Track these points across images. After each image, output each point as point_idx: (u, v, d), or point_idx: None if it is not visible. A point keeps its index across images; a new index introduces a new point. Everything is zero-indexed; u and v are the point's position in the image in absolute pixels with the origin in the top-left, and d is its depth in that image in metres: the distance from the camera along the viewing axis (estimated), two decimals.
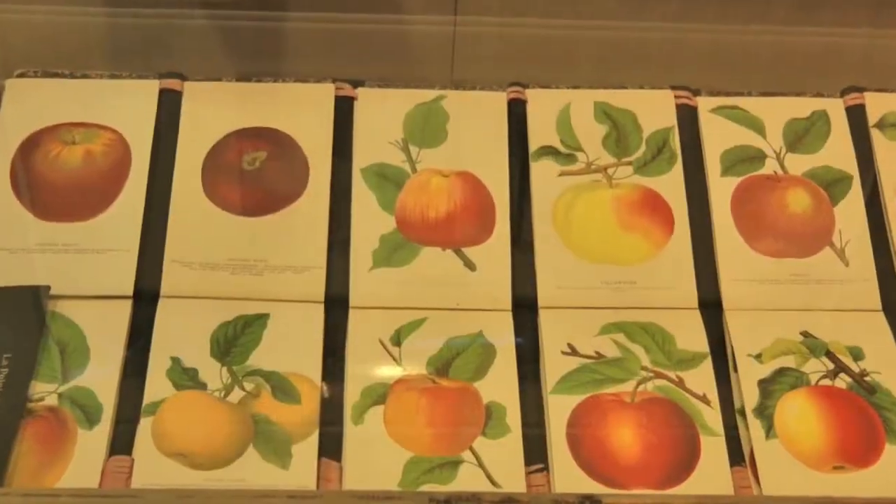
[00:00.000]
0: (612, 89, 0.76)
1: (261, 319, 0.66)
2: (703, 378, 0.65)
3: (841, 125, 0.75)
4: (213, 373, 0.64)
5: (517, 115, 0.75)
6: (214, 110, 0.74)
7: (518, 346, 0.66)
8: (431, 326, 0.67)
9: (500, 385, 0.65)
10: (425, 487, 0.61)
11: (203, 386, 0.64)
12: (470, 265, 0.69)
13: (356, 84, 0.76)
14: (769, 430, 0.64)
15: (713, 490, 0.61)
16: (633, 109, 0.75)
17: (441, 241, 0.70)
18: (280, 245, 0.69)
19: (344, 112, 0.74)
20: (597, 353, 0.66)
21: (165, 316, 0.66)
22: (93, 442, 0.61)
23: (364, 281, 0.68)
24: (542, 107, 0.75)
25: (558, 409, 0.64)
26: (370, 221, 0.70)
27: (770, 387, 0.65)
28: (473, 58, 0.83)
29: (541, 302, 0.68)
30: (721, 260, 0.70)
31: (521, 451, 0.62)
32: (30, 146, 0.72)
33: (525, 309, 0.68)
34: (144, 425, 0.62)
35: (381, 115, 0.74)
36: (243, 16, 0.81)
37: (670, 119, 0.75)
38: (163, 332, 0.65)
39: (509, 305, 0.68)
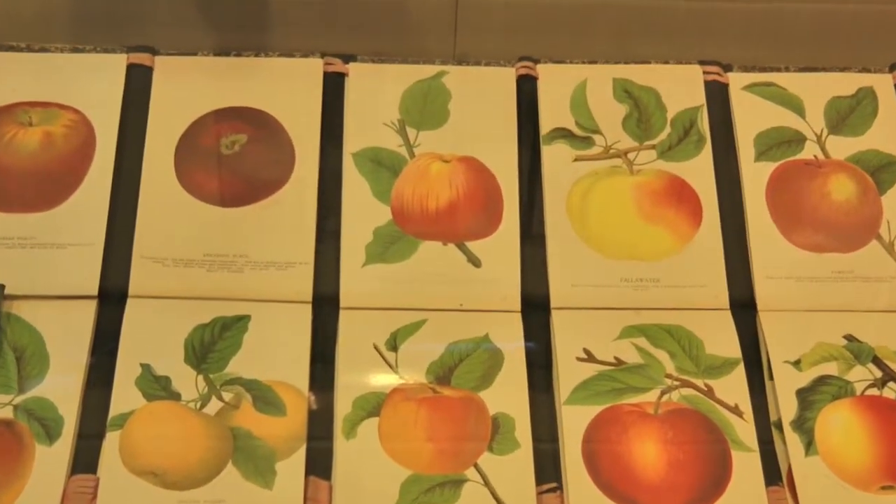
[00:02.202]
0: (633, 64, 0.76)
1: (241, 322, 0.66)
2: (734, 387, 0.65)
3: (890, 104, 0.75)
4: (187, 381, 0.64)
5: (527, 94, 0.74)
6: (189, 88, 0.73)
7: (528, 352, 0.66)
8: (431, 329, 0.67)
9: (508, 395, 0.65)
10: None
11: (176, 396, 0.63)
12: (474, 261, 0.69)
13: (347, 59, 0.76)
14: (809, 445, 0.64)
15: None
16: (657, 87, 0.75)
17: (442, 234, 0.70)
18: (262, 239, 0.69)
19: (334, 90, 0.74)
20: (616, 358, 0.66)
21: (134, 318, 0.66)
22: (53, 459, 0.61)
23: (356, 278, 0.68)
24: (555, 84, 0.75)
25: (573, 422, 0.64)
26: (363, 212, 0.70)
27: (810, 397, 0.65)
28: (478, 29, 0.82)
29: (553, 302, 0.68)
30: (755, 255, 0.70)
31: (531, 468, 0.62)
32: None
33: (536, 309, 0.68)
34: (111, 440, 0.62)
35: (375, 93, 0.74)
36: None
37: (698, 97, 0.75)
38: (131, 337, 0.65)
39: (518, 306, 0.68)
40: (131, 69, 0.73)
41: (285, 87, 0.73)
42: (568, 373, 0.65)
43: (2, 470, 0.60)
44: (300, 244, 0.68)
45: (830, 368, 0.66)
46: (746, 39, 0.82)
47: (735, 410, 0.64)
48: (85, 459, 0.61)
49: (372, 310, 0.67)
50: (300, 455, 0.62)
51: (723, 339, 0.67)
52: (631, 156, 0.73)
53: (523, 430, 0.63)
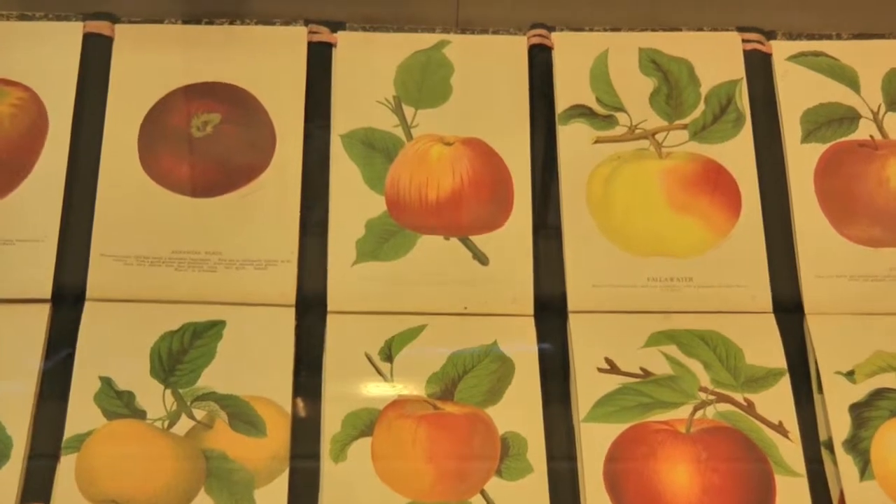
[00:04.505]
0: (661, 32, 0.76)
1: (215, 328, 0.66)
2: (778, 402, 0.65)
3: None
4: (153, 397, 0.64)
5: (541, 66, 0.74)
6: (154, 61, 0.73)
7: (542, 361, 0.66)
8: (432, 336, 0.66)
9: (519, 411, 0.64)
10: None
11: (141, 414, 0.63)
12: (481, 258, 0.69)
13: (335, 27, 0.75)
14: (864, 468, 0.63)
15: None
16: (689, 58, 0.74)
17: (444, 227, 0.69)
18: (239, 233, 0.69)
19: (319, 63, 0.74)
20: (643, 369, 0.66)
21: (93, 324, 0.65)
22: (0, 486, 0.61)
23: (346, 278, 0.68)
24: (573, 55, 0.74)
25: (594, 442, 0.63)
26: (353, 203, 0.70)
27: (865, 413, 0.65)
28: None
29: (571, 304, 0.68)
30: (802, 250, 0.70)
31: (546, 494, 0.62)
32: None
33: (551, 313, 0.68)
34: (66, 464, 0.62)
35: (367, 66, 0.74)
36: None
37: (737, 70, 0.74)
38: (89, 345, 0.65)
39: (531, 309, 0.68)
40: (88, 39, 0.73)
41: (264, 60, 0.73)
42: (588, 386, 0.65)
43: None
44: (282, 239, 0.68)
45: (889, 380, 0.66)
46: (791, 2, 0.81)
47: (779, 429, 0.64)
48: (36, 486, 0.61)
49: (364, 314, 0.67)
50: (282, 480, 0.62)
51: (765, 347, 0.66)
52: (659, 137, 0.72)
53: (537, 452, 0.63)
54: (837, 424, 0.64)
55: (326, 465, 0.62)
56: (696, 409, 0.64)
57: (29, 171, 0.69)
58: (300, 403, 0.64)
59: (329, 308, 0.67)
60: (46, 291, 0.66)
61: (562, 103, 0.73)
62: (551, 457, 0.63)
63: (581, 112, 0.73)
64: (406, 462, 0.62)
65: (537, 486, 0.62)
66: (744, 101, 0.73)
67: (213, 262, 0.68)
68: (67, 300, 0.66)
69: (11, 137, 0.70)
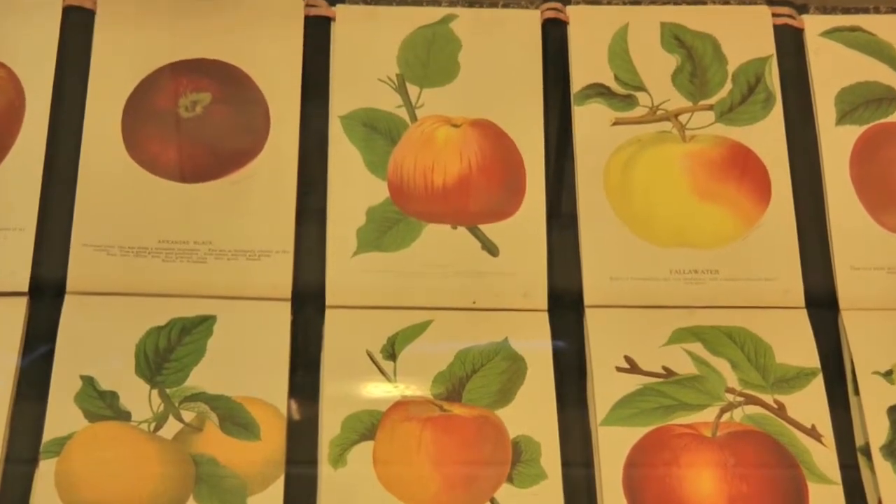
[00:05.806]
0: (685, 5, 0.75)
1: (205, 324, 0.65)
2: (811, 403, 0.65)
3: None
4: (139, 397, 0.63)
5: (555, 42, 0.74)
6: (139, 36, 0.73)
7: (557, 360, 0.66)
8: (438, 332, 0.66)
9: (532, 413, 0.64)
10: None
11: (126, 416, 0.63)
12: (491, 248, 0.68)
13: None
14: None
15: None
16: (715, 33, 0.74)
17: (451, 215, 0.69)
18: (231, 222, 0.68)
19: (318, 38, 0.74)
20: (665, 369, 0.65)
21: (73, 319, 0.65)
22: None
23: (345, 270, 0.68)
24: (590, 30, 0.74)
25: (612, 447, 0.63)
26: (354, 189, 0.69)
27: None
28: None
29: (588, 299, 0.67)
30: (836, 240, 0.69)
31: (560, 502, 0.62)
32: None
33: (566, 308, 0.68)
34: (45, 469, 0.61)
35: (369, 42, 0.73)
36: None
37: (766, 46, 0.74)
38: (70, 342, 0.64)
39: (545, 304, 0.67)
40: (68, 13, 0.73)
41: (258, 35, 0.73)
42: (606, 386, 0.65)
43: None
44: (277, 228, 0.68)
45: None
46: None
47: (812, 432, 0.64)
48: (13, 493, 0.61)
49: (365, 308, 0.67)
50: (277, 487, 0.61)
51: (797, 345, 0.66)
52: (683, 118, 0.72)
53: (551, 457, 0.63)
54: (875, 428, 0.64)
55: (325, 470, 0.62)
56: (722, 412, 0.64)
57: (5, 154, 0.69)
58: (296, 405, 0.64)
59: (327, 302, 0.67)
60: (24, 284, 0.66)
61: (578, 82, 0.72)
62: (566, 462, 0.63)
63: (598, 91, 0.72)
64: (410, 468, 0.62)
65: (551, 493, 0.62)
66: (774, 79, 0.73)
67: (202, 253, 0.67)
68: (46, 293, 0.66)
69: None
